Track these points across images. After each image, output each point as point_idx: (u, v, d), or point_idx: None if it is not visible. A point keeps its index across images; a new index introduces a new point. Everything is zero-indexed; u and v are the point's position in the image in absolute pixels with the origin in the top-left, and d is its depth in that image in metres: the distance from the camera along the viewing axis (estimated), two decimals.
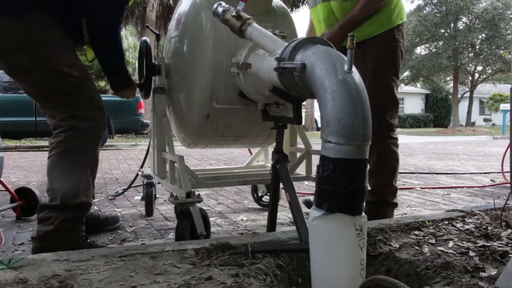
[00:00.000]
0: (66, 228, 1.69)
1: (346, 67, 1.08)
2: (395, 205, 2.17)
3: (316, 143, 2.76)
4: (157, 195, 2.63)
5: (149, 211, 2.53)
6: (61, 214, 1.68)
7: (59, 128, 1.72)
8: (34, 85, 1.72)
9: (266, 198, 2.72)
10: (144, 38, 2.16)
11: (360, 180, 1.05)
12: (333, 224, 1.04)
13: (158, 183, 2.40)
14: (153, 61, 2.09)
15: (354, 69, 1.09)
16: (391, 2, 2.06)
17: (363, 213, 1.07)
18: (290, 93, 1.37)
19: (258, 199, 2.76)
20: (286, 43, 1.35)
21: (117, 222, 2.27)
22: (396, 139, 2.14)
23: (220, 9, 1.63)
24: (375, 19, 2.03)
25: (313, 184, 3.49)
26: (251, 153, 2.83)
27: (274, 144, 1.72)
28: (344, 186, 1.03)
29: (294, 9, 17.75)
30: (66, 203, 1.69)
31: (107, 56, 1.86)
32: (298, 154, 2.23)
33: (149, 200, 2.50)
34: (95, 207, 2.78)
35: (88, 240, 1.79)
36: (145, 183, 2.50)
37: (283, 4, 2.13)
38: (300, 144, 2.22)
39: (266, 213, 2.57)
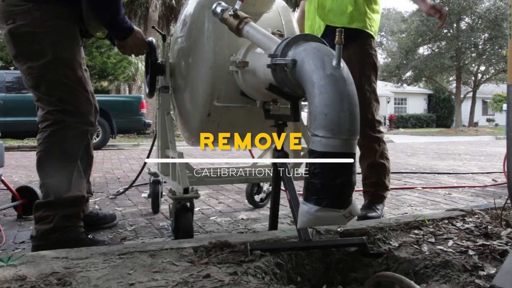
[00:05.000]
0: (65, 225, 1.70)
1: (334, 62, 1.09)
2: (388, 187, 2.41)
3: None
4: (164, 193, 2.65)
5: (156, 208, 2.57)
6: (57, 211, 1.69)
7: (45, 122, 1.73)
8: (35, 73, 1.73)
9: (257, 197, 2.74)
10: (150, 38, 2.18)
11: (347, 174, 1.05)
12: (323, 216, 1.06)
13: (164, 181, 2.43)
14: (158, 61, 2.11)
15: (342, 64, 1.10)
16: (373, 10, 2.28)
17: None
18: (283, 90, 1.38)
19: (254, 201, 2.74)
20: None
21: (114, 220, 2.29)
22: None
23: (218, 9, 1.66)
24: (357, 12, 2.22)
25: None
26: (253, 156, 2.82)
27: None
28: (331, 180, 1.04)
29: (296, 9, 17.76)
30: (60, 198, 1.70)
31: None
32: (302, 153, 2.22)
33: (155, 197, 2.54)
34: (96, 206, 2.78)
35: (89, 236, 1.79)
36: (151, 181, 2.53)
37: (285, 4, 2.13)
38: (303, 144, 2.22)
39: (266, 212, 2.59)
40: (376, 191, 2.32)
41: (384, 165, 2.32)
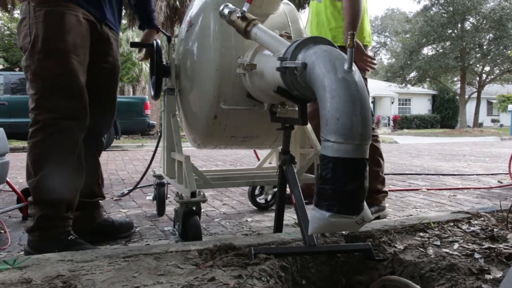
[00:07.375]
0: (43, 225, 1.73)
1: (346, 66, 1.08)
2: (386, 193, 2.47)
3: None
4: (168, 195, 2.67)
5: (161, 211, 2.56)
6: (37, 211, 1.73)
7: (35, 125, 1.73)
8: (25, 64, 1.75)
9: (260, 198, 2.75)
10: (155, 39, 2.18)
11: (359, 180, 1.04)
12: (334, 222, 1.04)
13: (168, 183, 2.43)
14: (163, 63, 2.10)
15: (354, 67, 1.09)
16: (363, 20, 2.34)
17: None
18: (292, 93, 1.37)
19: (257, 202, 2.75)
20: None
21: (131, 229, 2.15)
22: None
23: (226, 10, 1.65)
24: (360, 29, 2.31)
25: None
26: (258, 159, 2.82)
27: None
28: (342, 186, 1.03)
29: (300, 10, 17.74)
30: (38, 198, 1.73)
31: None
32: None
33: (161, 200, 2.53)
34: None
35: (71, 237, 1.74)
36: (156, 183, 2.53)
37: (292, 5, 2.13)
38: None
39: (271, 214, 2.58)
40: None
41: (379, 162, 2.38)
